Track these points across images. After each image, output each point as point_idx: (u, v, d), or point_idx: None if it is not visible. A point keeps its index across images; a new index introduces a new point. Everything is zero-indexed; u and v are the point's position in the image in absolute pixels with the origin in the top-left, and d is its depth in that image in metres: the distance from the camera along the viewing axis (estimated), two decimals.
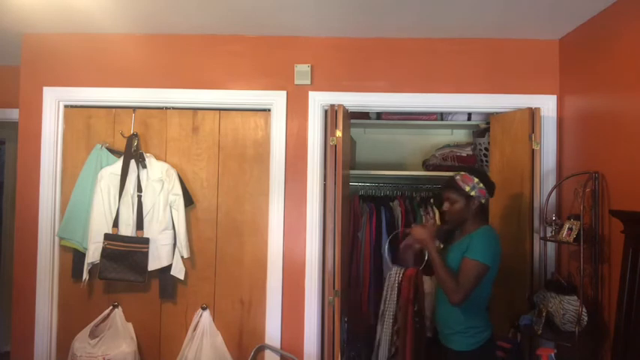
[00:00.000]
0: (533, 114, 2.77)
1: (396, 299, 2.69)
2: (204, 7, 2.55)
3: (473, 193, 2.25)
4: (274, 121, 2.94)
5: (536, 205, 2.73)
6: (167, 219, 2.83)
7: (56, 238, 2.93)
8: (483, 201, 2.29)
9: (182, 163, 2.98)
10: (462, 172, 2.31)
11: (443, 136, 3.90)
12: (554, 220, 2.58)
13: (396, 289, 2.70)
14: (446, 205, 2.34)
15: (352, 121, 3.15)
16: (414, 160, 3.89)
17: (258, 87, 2.96)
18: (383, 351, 2.70)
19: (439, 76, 2.95)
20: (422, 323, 2.71)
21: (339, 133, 2.75)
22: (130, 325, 2.90)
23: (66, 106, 2.99)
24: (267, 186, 2.95)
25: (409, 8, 2.51)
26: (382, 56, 2.95)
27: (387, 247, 3.31)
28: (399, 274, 2.73)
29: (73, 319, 2.91)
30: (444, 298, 2.31)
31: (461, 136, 3.92)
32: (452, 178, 2.33)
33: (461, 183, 2.26)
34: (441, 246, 2.47)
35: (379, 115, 3.61)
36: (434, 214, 3.42)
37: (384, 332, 2.71)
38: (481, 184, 2.26)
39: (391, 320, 2.70)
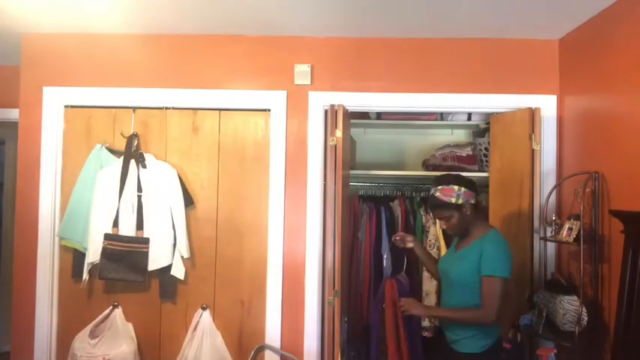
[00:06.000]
0: (533, 114, 2.77)
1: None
2: (205, 7, 2.55)
3: (460, 202, 2.18)
4: (274, 121, 2.94)
5: (536, 205, 2.73)
6: (167, 219, 2.83)
7: (56, 238, 2.93)
8: (474, 201, 2.22)
9: (182, 163, 2.98)
10: (439, 187, 2.22)
11: (443, 136, 3.89)
12: (554, 220, 2.58)
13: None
14: (442, 224, 2.30)
15: (352, 121, 3.15)
16: (414, 160, 3.88)
17: (258, 87, 2.96)
18: None
19: (439, 76, 2.94)
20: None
21: (339, 133, 2.75)
22: (130, 325, 2.90)
23: (66, 106, 2.99)
24: (267, 186, 2.94)
25: (409, 8, 2.51)
26: (382, 56, 2.95)
27: (387, 253, 3.31)
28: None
29: (73, 319, 2.91)
30: (449, 305, 2.27)
31: (461, 136, 3.92)
32: (433, 196, 2.24)
33: (444, 198, 2.19)
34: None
35: (379, 115, 3.61)
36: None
37: None
38: (463, 188, 2.19)
39: None
